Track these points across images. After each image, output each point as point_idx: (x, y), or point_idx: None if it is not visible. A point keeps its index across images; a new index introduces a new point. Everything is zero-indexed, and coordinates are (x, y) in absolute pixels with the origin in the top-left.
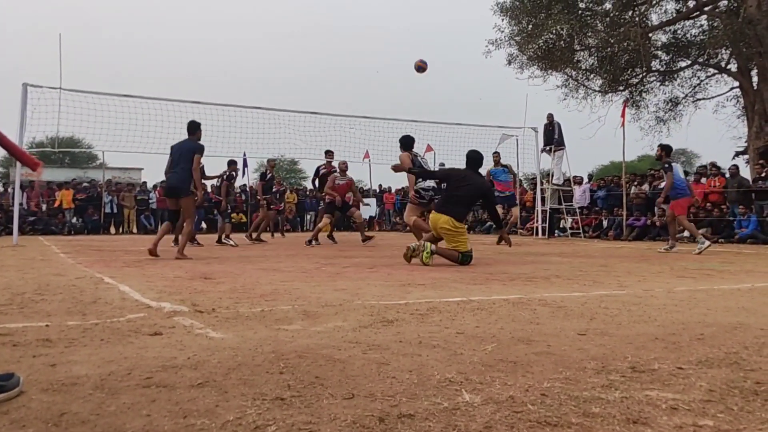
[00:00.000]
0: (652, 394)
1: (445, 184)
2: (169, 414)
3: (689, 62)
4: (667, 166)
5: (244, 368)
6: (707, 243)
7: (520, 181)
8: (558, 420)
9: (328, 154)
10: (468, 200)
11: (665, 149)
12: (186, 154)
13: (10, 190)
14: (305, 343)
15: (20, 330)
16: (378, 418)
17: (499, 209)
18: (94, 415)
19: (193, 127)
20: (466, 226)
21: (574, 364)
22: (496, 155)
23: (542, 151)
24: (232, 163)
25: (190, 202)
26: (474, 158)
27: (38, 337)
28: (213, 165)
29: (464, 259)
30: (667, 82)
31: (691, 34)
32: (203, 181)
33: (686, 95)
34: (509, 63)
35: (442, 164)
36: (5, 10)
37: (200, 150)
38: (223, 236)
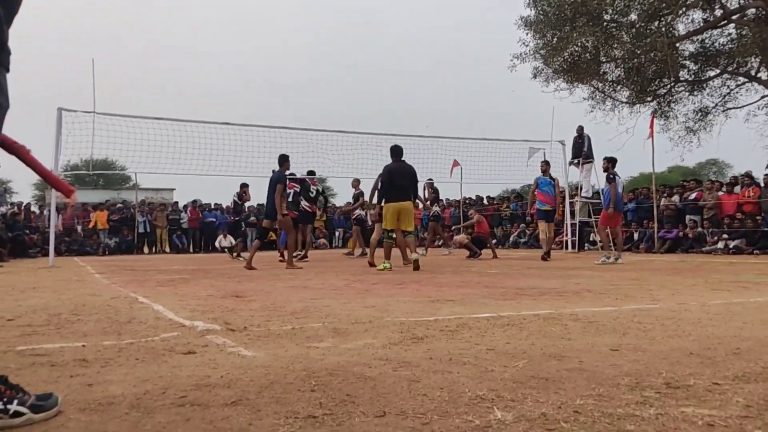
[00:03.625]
0: (687, 411)
1: (388, 181)
2: None
3: (718, 71)
4: (611, 177)
5: (276, 386)
6: (611, 260)
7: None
8: None
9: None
10: (409, 185)
11: (611, 161)
12: (272, 184)
13: (45, 212)
14: (336, 360)
15: (57, 350)
16: None
17: (542, 225)
18: None
19: (282, 159)
20: None
21: (607, 381)
22: (545, 164)
23: (570, 163)
24: (243, 186)
25: (283, 222)
26: (400, 149)
27: (75, 357)
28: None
29: (411, 234)
30: (696, 92)
31: (719, 43)
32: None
33: (716, 104)
34: (534, 77)
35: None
36: (40, 36)
37: (282, 180)
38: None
